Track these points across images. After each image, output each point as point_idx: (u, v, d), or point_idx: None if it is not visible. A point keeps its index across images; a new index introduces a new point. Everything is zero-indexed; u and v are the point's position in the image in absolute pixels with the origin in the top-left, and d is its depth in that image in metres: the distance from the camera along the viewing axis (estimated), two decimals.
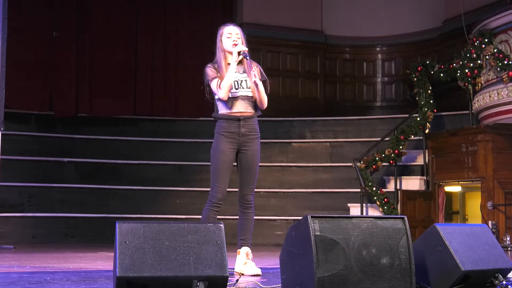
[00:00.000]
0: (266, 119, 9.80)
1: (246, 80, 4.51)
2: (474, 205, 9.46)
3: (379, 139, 9.13)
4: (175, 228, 3.05)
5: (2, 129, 6.71)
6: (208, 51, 5.08)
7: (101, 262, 5.57)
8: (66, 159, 9.37)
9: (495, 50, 8.09)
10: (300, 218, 3.12)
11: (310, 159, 9.93)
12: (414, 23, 11.51)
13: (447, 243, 3.35)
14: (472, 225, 3.77)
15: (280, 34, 11.45)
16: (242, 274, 4.26)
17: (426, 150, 9.16)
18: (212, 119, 4.64)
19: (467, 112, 9.10)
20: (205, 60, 4.67)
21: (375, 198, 8.38)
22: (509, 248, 7.60)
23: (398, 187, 8.78)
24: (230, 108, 4.51)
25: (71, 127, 9.90)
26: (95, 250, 7.02)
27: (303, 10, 11.66)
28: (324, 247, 2.97)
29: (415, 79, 9.47)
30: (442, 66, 9.18)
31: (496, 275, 3.49)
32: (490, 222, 7.92)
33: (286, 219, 8.88)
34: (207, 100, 4.69)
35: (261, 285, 3.58)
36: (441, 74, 9.17)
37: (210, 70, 4.54)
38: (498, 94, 8.12)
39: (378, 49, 11.96)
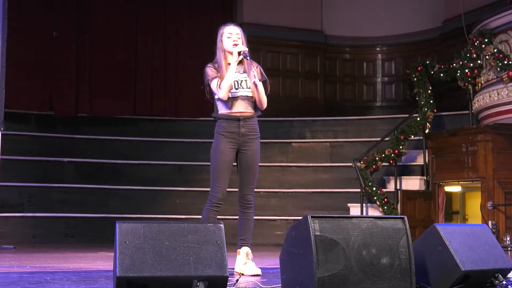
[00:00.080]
0: (266, 119, 9.80)
1: (246, 80, 4.51)
2: (474, 205, 9.46)
3: (379, 139, 9.13)
4: (175, 228, 3.05)
5: (2, 129, 6.71)
6: (208, 51, 5.08)
7: (101, 262, 5.57)
8: (66, 159, 9.37)
9: (495, 50, 8.09)
10: (300, 218, 3.12)
11: (310, 159, 9.93)
12: (414, 23, 11.51)
13: (447, 243, 3.35)
14: (472, 225, 3.77)
15: (280, 34, 11.45)
16: (242, 274, 4.26)
17: (426, 150, 9.16)
18: (212, 119, 4.64)
19: (467, 112, 9.10)
20: (205, 60, 4.67)
21: (375, 198, 8.38)
22: (509, 248, 7.60)
23: (398, 187, 8.78)
24: (230, 108, 4.51)
25: (71, 127, 9.90)
26: (95, 250, 7.02)
27: (303, 10, 11.66)
28: (324, 247, 2.97)
29: (415, 79, 9.47)
30: (442, 66, 9.18)
31: (496, 275, 3.49)
32: (490, 222, 7.92)
33: (286, 219, 8.88)
34: (207, 100, 4.69)
35: (261, 285, 3.58)
36: (441, 74, 9.17)
37: (210, 70, 4.54)
38: (498, 94, 8.12)
39: (378, 49, 11.96)
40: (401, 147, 8.75)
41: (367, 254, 3.04)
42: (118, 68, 10.31)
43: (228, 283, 3.10)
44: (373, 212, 8.56)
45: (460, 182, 9.08)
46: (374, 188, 8.39)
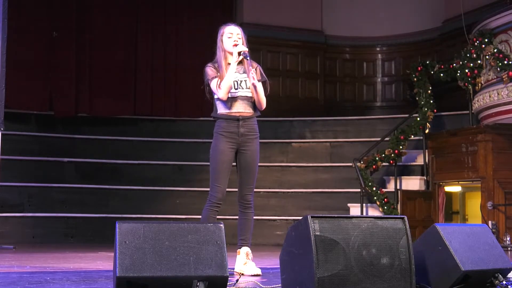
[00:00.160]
0: (266, 119, 9.80)
1: (245, 81, 4.51)
2: (474, 205, 9.46)
3: (379, 139, 9.13)
4: (175, 228, 3.05)
5: (2, 129, 6.71)
6: (208, 51, 5.08)
7: (101, 262, 5.57)
8: (66, 159, 9.37)
9: (495, 50, 8.09)
10: (300, 218, 3.12)
11: (310, 159, 9.93)
12: (414, 23, 11.51)
13: (447, 243, 3.35)
14: (472, 225, 3.77)
15: (280, 34, 11.45)
16: (242, 274, 4.26)
17: (426, 150, 9.16)
18: (212, 119, 4.64)
19: (467, 112, 9.10)
20: (205, 60, 4.67)
21: (375, 198, 8.38)
22: (509, 248, 7.60)
23: (398, 187, 8.78)
24: (230, 108, 4.51)
25: (71, 127, 9.90)
26: (95, 250, 7.02)
27: (303, 10, 11.66)
28: (324, 247, 2.97)
29: (415, 79, 9.47)
30: (442, 66, 9.18)
31: (496, 275, 3.49)
32: (490, 222, 7.92)
33: (286, 219, 8.88)
34: (207, 100, 4.69)
35: (261, 285, 3.58)
36: (441, 74, 9.16)
37: (210, 70, 4.54)
38: (498, 94, 8.12)
39: (378, 49, 11.96)
40: (401, 147, 8.75)
41: (367, 254, 3.04)
42: (118, 68, 10.31)
43: (228, 283, 3.10)
44: (373, 212, 8.56)
45: (460, 182, 9.08)
46: (374, 188, 8.39)
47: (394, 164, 8.71)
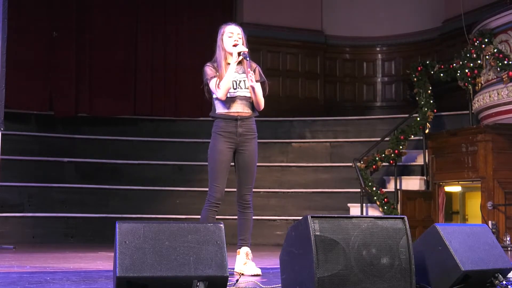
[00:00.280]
0: (266, 119, 9.80)
1: (244, 81, 4.51)
2: (474, 205, 9.46)
3: (379, 139, 9.13)
4: (175, 228, 3.05)
5: (2, 129, 6.71)
6: (208, 51, 5.08)
7: (101, 262, 5.57)
8: (66, 159, 9.37)
9: (495, 50, 8.09)
10: (300, 218, 3.12)
11: (310, 159, 9.93)
12: (414, 23, 11.51)
13: (447, 243, 3.35)
14: (472, 225, 3.77)
15: (280, 34, 11.45)
16: (242, 274, 4.26)
17: (426, 150, 9.16)
18: (211, 119, 4.64)
19: (467, 112, 9.10)
20: (205, 60, 4.67)
21: (375, 198, 8.38)
22: (509, 248, 7.60)
23: (398, 187, 8.78)
24: (228, 108, 4.51)
25: (71, 127, 9.90)
26: (95, 250, 7.02)
27: (303, 10, 11.66)
28: (324, 247, 2.97)
29: (415, 79, 9.47)
30: (442, 66, 9.18)
31: (496, 275, 3.49)
32: (490, 222, 7.92)
33: (286, 219, 8.88)
34: (207, 100, 4.69)
35: (261, 285, 3.58)
36: (441, 74, 9.17)
37: (209, 69, 4.54)
38: (498, 94, 8.12)
39: (378, 49, 11.96)
40: (401, 147, 8.75)
41: (367, 254, 3.04)
42: (118, 68, 10.31)
43: (228, 283, 3.10)
44: (373, 212, 8.56)
45: (460, 182, 9.08)
46: (374, 188, 8.39)
47: (394, 164, 8.71)
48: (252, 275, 4.30)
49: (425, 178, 9.08)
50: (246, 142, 4.53)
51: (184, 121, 10.58)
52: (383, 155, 8.65)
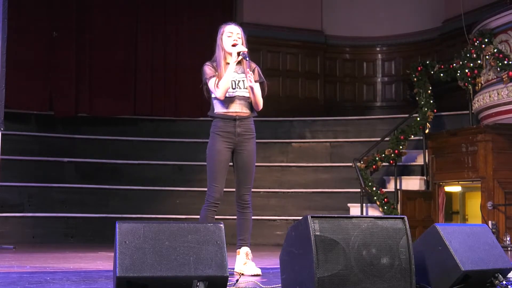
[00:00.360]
0: (266, 119, 9.81)
1: (243, 81, 4.51)
2: (474, 205, 9.46)
3: (379, 139, 9.13)
4: (175, 228, 3.05)
5: (2, 129, 6.71)
6: (208, 51, 5.08)
7: (101, 262, 5.57)
8: (66, 159, 9.38)
9: (495, 50, 8.09)
10: (300, 218, 3.12)
11: (310, 159, 9.93)
12: (414, 23, 11.51)
13: (447, 243, 3.35)
14: (472, 225, 3.77)
15: (280, 34, 11.45)
16: (242, 274, 4.26)
17: (426, 150, 9.16)
18: (211, 119, 4.64)
19: (467, 112, 9.10)
20: (205, 60, 4.66)
21: (375, 198, 8.38)
22: (509, 248, 7.60)
23: (398, 187, 8.78)
24: (227, 107, 4.51)
25: (71, 127, 9.90)
26: (95, 250, 7.02)
27: (303, 10, 11.66)
28: (324, 247, 2.97)
29: (415, 79, 9.47)
30: (442, 66, 9.18)
31: (496, 275, 3.49)
32: (490, 222, 7.92)
33: (286, 219, 8.88)
34: (207, 100, 4.69)
35: (261, 285, 3.58)
36: (441, 74, 9.17)
37: (208, 69, 4.54)
38: (498, 94, 8.12)
39: (378, 49, 11.96)
40: (401, 147, 8.75)
41: (367, 254, 3.04)
42: (118, 68, 10.31)
43: (228, 283, 3.10)
44: (373, 212, 8.56)
45: (460, 182, 9.08)
46: (374, 188, 8.39)
47: (394, 164, 8.71)
48: (252, 275, 4.31)
49: (425, 178, 9.08)
50: (245, 142, 4.53)
51: (184, 121, 10.58)
52: (383, 155, 8.65)
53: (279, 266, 3.35)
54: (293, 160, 10.01)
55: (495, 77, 8.22)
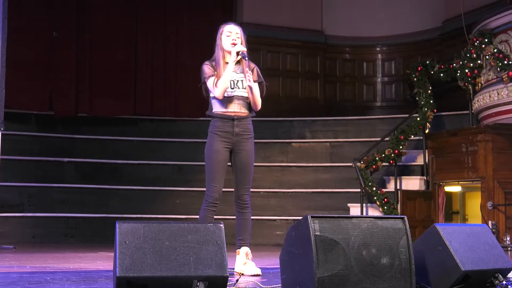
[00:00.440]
0: (266, 119, 9.81)
1: (242, 81, 4.51)
2: (474, 205, 9.46)
3: (379, 139, 9.13)
4: (175, 228, 3.05)
5: (2, 129, 6.71)
6: (208, 51, 5.08)
7: (101, 262, 5.57)
8: (66, 159, 9.38)
9: (495, 50, 8.09)
10: (300, 218, 3.12)
11: (310, 159, 9.93)
12: (414, 23, 11.51)
13: (447, 243, 3.35)
14: (472, 225, 3.77)
15: (280, 34, 11.45)
16: (242, 274, 4.26)
17: (426, 150, 9.16)
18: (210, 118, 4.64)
19: (467, 112, 9.10)
20: (205, 60, 4.67)
21: (375, 198, 8.38)
22: (509, 248, 7.60)
23: (398, 187, 8.78)
24: (225, 107, 4.51)
25: (71, 127, 9.90)
26: (95, 250, 7.02)
27: (303, 10, 11.66)
28: (324, 247, 2.97)
29: (415, 79, 9.47)
30: (442, 66, 9.18)
31: (496, 275, 3.49)
32: (490, 222, 7.92)
33: (286, 219, 8.88)
34: (206, 100, 4.69)
35: (261, 285, 3.58)
36: (441, 74, 9.17)
37: (207, 68, 4.54)
38: (498, 94, 8.12)
39: (378, 49, 11.96)
40: (401, 147, 8.75)
41: (367, 254, 3.04)
42: (118, 68, 10.31)
43: (228, 283, 3.10)
44: (373, 212, 8.56)
45: (460, 182, 9.08)
46: (374, 188, 8.39)
47: (394, 164, 8.71)
48: (252, 275, 4.31)
49: (425, 178, 9.08)
50: (243, 142, 4.53)
51: (184, 121, 10.58)
52: (383, 155, 8.65)
53: (279, 266, 3.35)
54: (293, 160, 10.01)
55: (495, 77, 8.22)
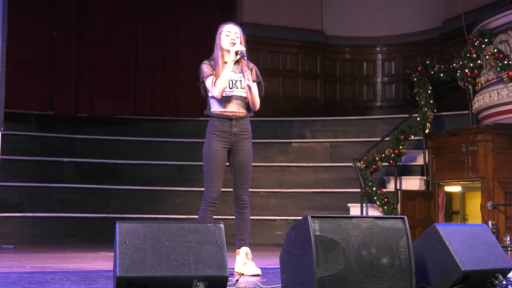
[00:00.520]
0: (266, 119, 9.81)
1: (241, 80, 4.51)
2: (474, 205, 9.46)
3: (379, 139, 9.13)
4: (175, 228, 3.05)
5: (2, 129, 6.71)
6: (208, 51, 5.08)
7: (101, 262, 5.57)
8: (66, 159, 9.37)
9: (495, 50, 8.09)
10: (300, 218, 3.12)
11: (310, 159, 9.93)
12: (414, 23, 11.51)
13: (447, 243, 3.35)
14: (472, 225, 3.77)
15: (280, 34, 11.45)
16: (242, 274, 4.26)
17: (426, 150, 9.16)
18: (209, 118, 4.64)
19: (467, 112, 9.10)
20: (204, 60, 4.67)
21: (375, 198, 8.38)
22: (509, 248, 7.60)
23: (398, 187, 8.78)
24: (224, 107, 4.51)
25: (71, 127, 9.90)
26: (95, 250, 7.02)
27: (303, 10, 11.66)
28: (324, 247, 2.97)
29: (415, 79, 9.47)
30: (442, 66, 9.18)
31: (496, 275, 3.49)
32: (490, 222, 7.92)
33: (286, 219, 8.88)
34: (205, 100, 4.69)
35: (261, 285, 3.58)
36: (441, 74, 9.17)
37: (206, 67, 4.54)
38: (498, 94, 8.12)
39: (378, 49, 11.96)
40: (401, 147, 8.75)
41: (367, 254, 3.04)
42: (118, 68, 10.31)
43: (228, 283, 3.10)
44: (373, 212, 8.56)
45: (460, 182, 9.08)
46: (374, 188, 8.39)
47: (394, 164, 8.71)
48: (252, 275, 4.31)
49: (425, 178, 9.08)
50: (241, 142, 4.53)
51: (184, 121, 10.58)
52: (383, 155, 8.65)
53: (279, 266, 3.35)
54: (293, 160, 10.01)
55: (495, 77, 8.22)
